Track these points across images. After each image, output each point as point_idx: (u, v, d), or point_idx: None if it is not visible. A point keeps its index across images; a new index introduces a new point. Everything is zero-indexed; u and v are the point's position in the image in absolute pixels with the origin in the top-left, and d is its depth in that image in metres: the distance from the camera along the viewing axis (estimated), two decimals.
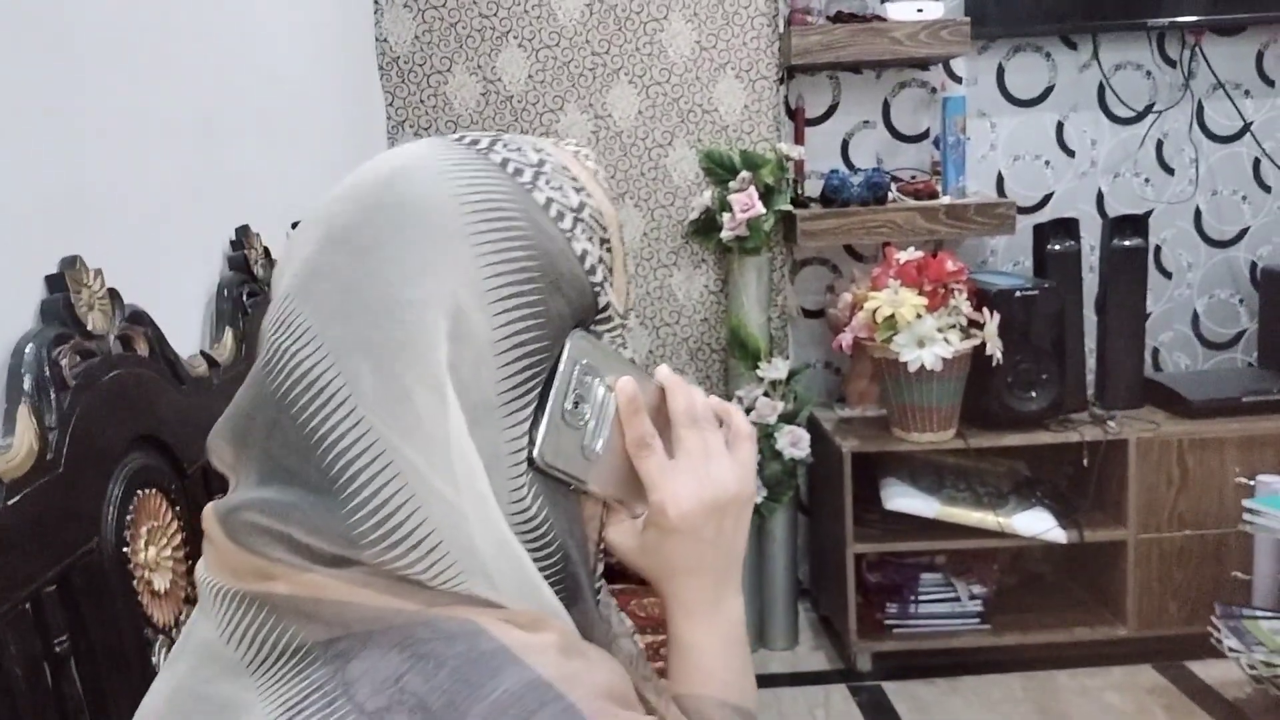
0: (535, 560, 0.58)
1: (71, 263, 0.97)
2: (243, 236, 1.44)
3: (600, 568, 0.68)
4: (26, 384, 0.87)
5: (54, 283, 0.95)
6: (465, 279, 0.57)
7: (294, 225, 1.69)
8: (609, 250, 0.65)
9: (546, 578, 0.59)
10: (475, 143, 0.64)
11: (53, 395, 0.89)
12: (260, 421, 0.58)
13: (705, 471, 0.67)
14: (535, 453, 0.59)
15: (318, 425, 0.56)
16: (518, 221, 0.59)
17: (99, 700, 0.88)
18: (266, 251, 1.51)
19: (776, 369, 2.60)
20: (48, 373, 0.89)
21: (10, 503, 0.80)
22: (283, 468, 0.57)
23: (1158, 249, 2.90)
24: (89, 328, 0.97)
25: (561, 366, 0.60)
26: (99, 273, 1.00)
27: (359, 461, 0.55)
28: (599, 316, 0.64)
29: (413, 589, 0.55)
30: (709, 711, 0.69)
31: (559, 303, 0.60)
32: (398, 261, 0.57)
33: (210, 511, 0.60)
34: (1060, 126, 2.86)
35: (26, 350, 0.89)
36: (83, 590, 0.88)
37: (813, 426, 2.67)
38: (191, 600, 1.04)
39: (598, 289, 0.63)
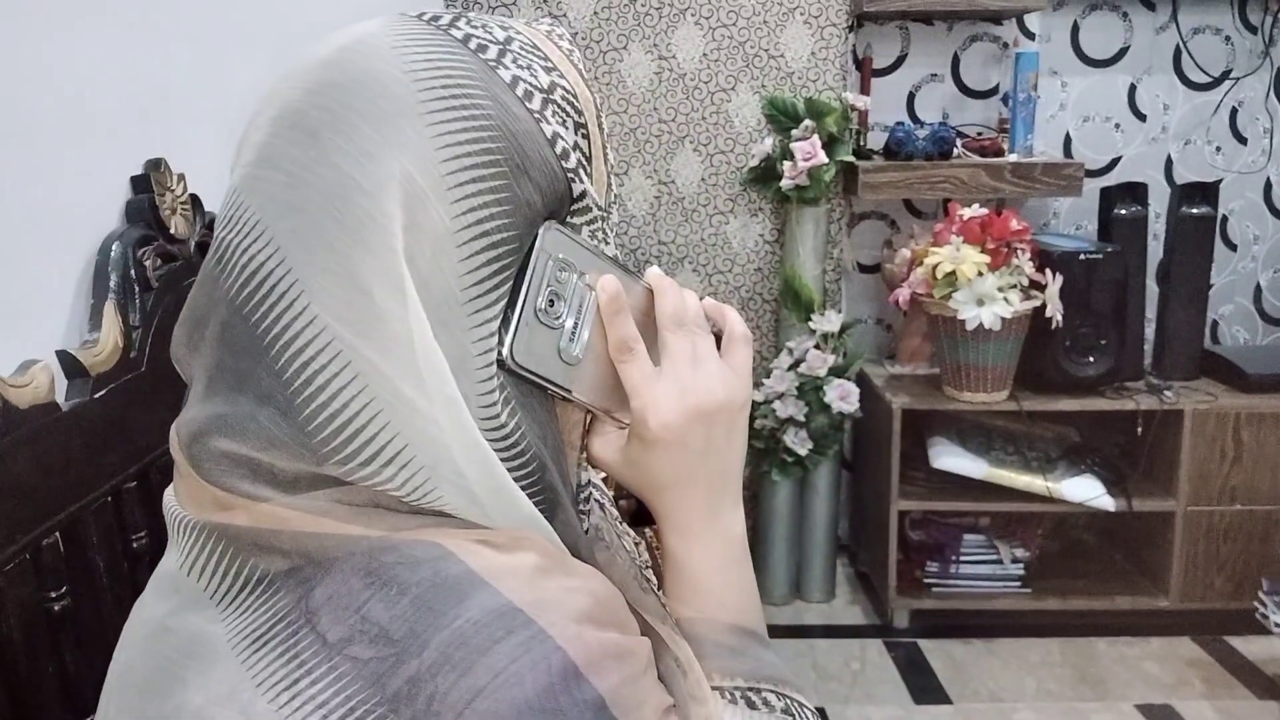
0: (509, 470, 0.54)
1: (156, 165, 0.96)
2: None
3: (584, 476, 0.64)
4: (113, 281, 0.87)
5: (139, 184, 0.95)
6: (420, 161, 0.52)
7: None
8: (585, 137, 0.59)
9: (523, 488, 0.55)
10: (435, 19, 0.59)
11: (137, 295, 0.89)
12: (213, 325, 0.54)
13: (691, 377, 0.61)
14: (505, 352, 0.54)
15: (270, 326, 0.51)
16: (479, 99, 0.54)
17: None
18: None
19: (829, 322, 2.58)
20: (133, 273, 0.89)
21: (96, 396, 0.80)
22: (234, 374, 0.53)
23: (1224, 219, 2.84)
24: (171, 231, 0.97)
25: (533, 260, 0.55)
26: (181, 177, 1.00)
27: (315, 363, 0.51)
28: (575, 207, 0.59)
29: (377, 515, 0.52)
30: (705, 632, 0.65)
31: (527, 189, 0.55)
32: (347, 145, 0.52)
33: (174, 437, 0.57)
34: (1133, 89, 2.80)
35: (113, 249, 0.89)
36: (160, 491, 0.89)
37: (862, 382, 2.65)
38: None
39: (572, 176, 0.58)
